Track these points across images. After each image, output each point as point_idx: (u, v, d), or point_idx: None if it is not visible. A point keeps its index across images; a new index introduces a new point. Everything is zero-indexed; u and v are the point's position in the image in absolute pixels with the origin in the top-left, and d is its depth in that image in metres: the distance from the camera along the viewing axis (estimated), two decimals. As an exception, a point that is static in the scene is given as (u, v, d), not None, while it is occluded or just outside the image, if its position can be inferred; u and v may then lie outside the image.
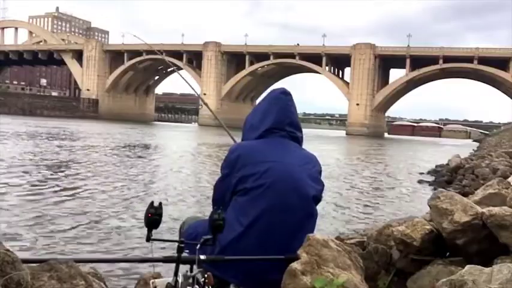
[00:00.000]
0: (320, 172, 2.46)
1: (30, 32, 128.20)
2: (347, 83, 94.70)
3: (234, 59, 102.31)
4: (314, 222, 2.36)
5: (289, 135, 2.41)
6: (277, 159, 2.31)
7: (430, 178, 17.74)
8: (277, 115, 2.40)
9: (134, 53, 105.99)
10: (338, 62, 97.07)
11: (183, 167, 17.38)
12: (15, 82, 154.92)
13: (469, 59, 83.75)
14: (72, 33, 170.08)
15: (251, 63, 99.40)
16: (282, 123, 2.40)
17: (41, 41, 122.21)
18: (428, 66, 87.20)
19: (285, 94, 2.48)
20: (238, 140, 2.62)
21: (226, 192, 2.33)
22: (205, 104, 4.48)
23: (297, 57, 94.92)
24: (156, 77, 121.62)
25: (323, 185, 2.44)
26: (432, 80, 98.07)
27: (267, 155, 2.31)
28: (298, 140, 2.47)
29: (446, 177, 16.62)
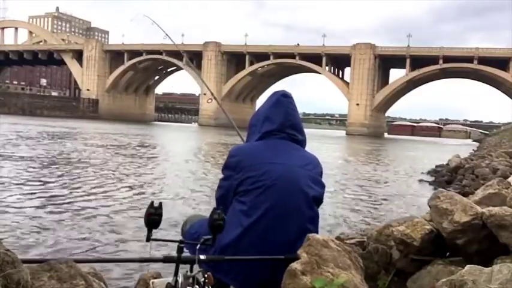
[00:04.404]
0: (321, 174, 2.45)
1: (30, 32, 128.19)
2: (347, 83, 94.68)
3: (234, 59, 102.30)
4: (315, 224, 2.35)
5: (289, 137, 2.41)
6: (276, 160, 2.31)
7: (430, 178, 17.73)
8: (278, 118, 2.41)
9: (134, 53, 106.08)
10: (338, 62, 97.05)
11: (184, 167, 17.37)
12: (15, 82, 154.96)
13: (469, 59, 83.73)
14: (72, 33, 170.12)
15: (251, 63, 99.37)
16: (283, 125, 2.40)
17: (41, 41, 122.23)
18: (428, 66, 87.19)
19: (286, 96, 2.48)
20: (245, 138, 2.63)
21: (228, 193, 2.34)
22: (215, 99, 4.45)
23: (297, 57, 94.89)
24: (156, 77, 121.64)
25: (324, 187, 2.43)
26: (432, 80, 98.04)
27: (267, 157, 2.31)
28: (299, 143, 2.46)
29: (446, 177, 16.62)
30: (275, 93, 2.54)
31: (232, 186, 2.31)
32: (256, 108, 2.66)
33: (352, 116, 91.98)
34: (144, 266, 3.80)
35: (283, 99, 2.46)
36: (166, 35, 5.23)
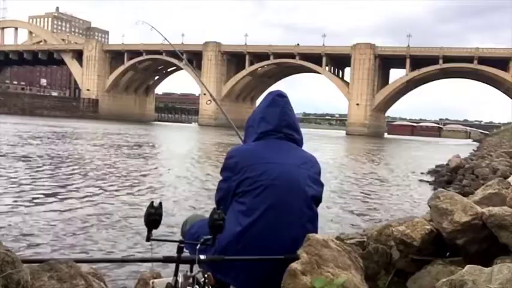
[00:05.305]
0: (319, 173, 2.45)
1: (30, 32, 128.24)
2: (347, 83, 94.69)
3: (234, 59, 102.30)
4: (315, 223, 2.35)
5: (286, 137, 2.41)
6: (274, 160, 2.31)
7: (430, 178, 17.74)
8: (274, 118, 2.41)
9: (134, 53, 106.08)
10: (338, 62, 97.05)
11: (184, 167, 17.37)
12: (15, 82, 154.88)
13: (469, 59, 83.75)
14: (72, 33, 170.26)
15: (251, 63, 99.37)
16: (279, 126, 2.40)
17: (41, 41, 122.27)
18: (428, 66, 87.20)
19: (281, 96, 2.48)
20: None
21: (227, 195, 2.34)
22: (214, 100, 4.43)
23: (297, 57, 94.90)
24: (156, 77, 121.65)
25: (323, 186, 2.43)
26: (432, 80, 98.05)
27: (265, 157, 2.31)
28: (297, 142, 2.46)
29: (446, 177, 16.62)
30: (270, 93, 2.55)
31: (231, 187, 2.30)
32: None
33: (352, 116, 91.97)
34: (144, 266, 3.80)
35: (279, 99, 2.47)
36: (165, 39, 5.25)
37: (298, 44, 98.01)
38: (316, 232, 2.30)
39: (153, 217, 1.82)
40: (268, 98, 2.51)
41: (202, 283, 1.88)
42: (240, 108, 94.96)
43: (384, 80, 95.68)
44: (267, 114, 2.44)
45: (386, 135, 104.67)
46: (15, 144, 22.20)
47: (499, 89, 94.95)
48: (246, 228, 2.20)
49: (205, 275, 1.89)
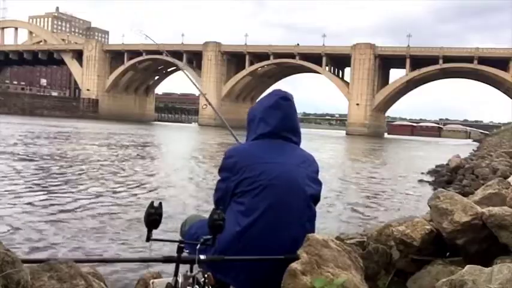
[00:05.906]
0: (317, 172, 2.44)
1: (30, 32, 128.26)
2: (347, 83, 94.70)
3: (234, 59, 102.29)
4: (313, 222, 2.35)
5: (284, 138, 2.40)
6: (273, 160, 2.30)
7: (430, 178, 17.73)
8: (273, 121, 2.37)
9: (134, 53, 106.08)
10: (338, 62, 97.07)
11: (184, 167, 17.37)
12: (15, 82, 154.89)
13: (469, 59, 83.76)
14: (72, 33, 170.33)
15: (251, 63, 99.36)
16: (277, 128, 2.37)
17: (41, 41, 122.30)
18: (428, 66, 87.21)
19: (285, 100, 2.42)
20: (241, 139, 2.61)
21: (226, 195, 2.33)
22: (210, 104, 4.40)
23: (297, 57, 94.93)
24: (156, 77, 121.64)
25: (321, 185, 2.42)
26: (432, 80, 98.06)
27: (263, 157, 2.30)
28: (294, 143, 2.44)
29: (446, 177, 16.61)
30: (275, 94, 2.47)
31: (230, 187, 2.30)
32: None
33: (352, 116, 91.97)
34: (144, 266, 3.80)
35: (283, 103, 2.41)
36: (162, 49, 5.27)
37: (298, 44, 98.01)
38: (314, 231, 2.30)
39: (153, 217, 1.82)
40: (272, 98, 2.44)
41: (202, 283, 1.88)
42: (240, 108, 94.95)
43: (384, 80, 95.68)
44: (267, 116, 2.39)
45: (386, 135, 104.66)
46: (18, 144, 22.20)
47: (499, 89, 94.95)
48: (246, 228, 2.19)
49: (205, 275, 1.89)
